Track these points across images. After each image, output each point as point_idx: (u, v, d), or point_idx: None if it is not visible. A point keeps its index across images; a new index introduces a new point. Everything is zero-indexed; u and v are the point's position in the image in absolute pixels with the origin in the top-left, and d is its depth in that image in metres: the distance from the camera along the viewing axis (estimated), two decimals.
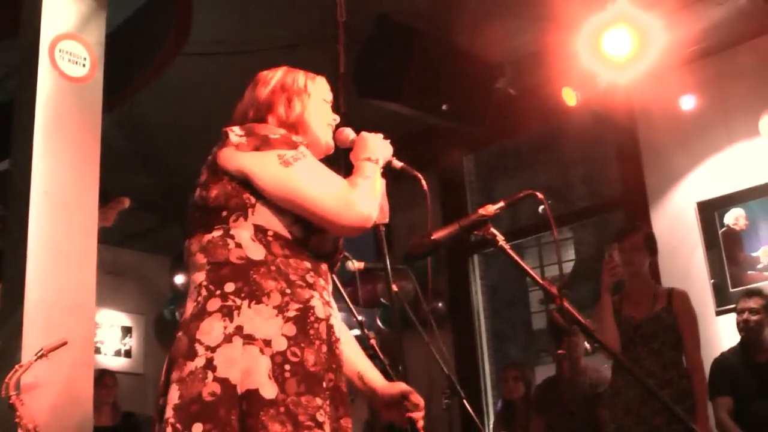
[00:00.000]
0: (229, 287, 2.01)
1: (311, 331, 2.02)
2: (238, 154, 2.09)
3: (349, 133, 2.39)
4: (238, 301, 1.99)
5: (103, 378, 6.20)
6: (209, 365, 1.93)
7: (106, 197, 3.70)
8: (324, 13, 4.28)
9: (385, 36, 5.09)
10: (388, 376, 2.57)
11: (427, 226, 2.41)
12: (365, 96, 5.08)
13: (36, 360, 2.99)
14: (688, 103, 5.69)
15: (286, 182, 2.05)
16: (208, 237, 2.09)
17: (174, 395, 1.92)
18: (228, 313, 1.98)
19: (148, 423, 6.55)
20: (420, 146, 6.46)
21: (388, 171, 2.35)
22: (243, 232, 2.06)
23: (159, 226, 7.37)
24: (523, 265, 2.27)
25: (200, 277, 2.07)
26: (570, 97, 5.19)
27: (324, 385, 2.01)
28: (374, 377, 2.42)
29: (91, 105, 3.71)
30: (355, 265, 3.54)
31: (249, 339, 1.95)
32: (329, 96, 2.42)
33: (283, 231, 2.08)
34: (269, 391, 1.91)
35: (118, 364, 7.45)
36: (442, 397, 3.90)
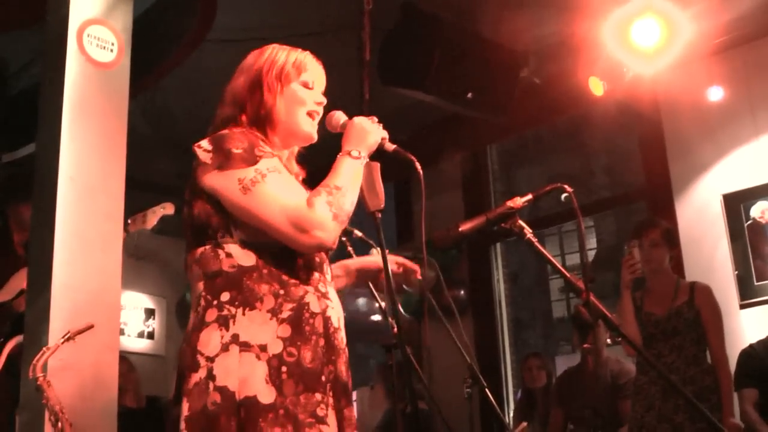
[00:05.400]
0: (225, 297, 2.07)
1: (307, 328, 2.07)
2: (206, 175, 2.13)
3: (340, 117, 2.30)
4: (233, 310, 2.05)
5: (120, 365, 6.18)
6: (210, 375, 1.99)
7: (129, 182, 3.70)
8: (349, 1, 4.28)
9: (409, 24, 5.06)
10: (410, 365, 2.56)
11: (448, 214, 2.39)
12: (389, 84, 5.06)
13: (63, 343, 3.01)
14: (714, 94, 5.64)
15: (245, 209, 2.08)
16: (200, 250, 2.14)
17: (185, 407, 2.00)
18: (224, 322, 2.04)
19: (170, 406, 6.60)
20: (443, 134, 6.46)
21: (384, 154, 2.27)
22: (231, 245, 2.11)
23: (179, 211, 7.36)
24: (551, 258, 2.27)
25: (199, 288, 2.13)
26: (597, 87, 5.15)
27: (323, 378, 2.06)
28: (351, 263, 2.53)
29: (118, 91, 3.72)
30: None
31: (245, 346, 2.01)
32: (315, 76, 2.33)
33: (269, 239, 2.10)
34: (267, 396, 1.97)
35: (142, 345, 7.47)
36: (463, 385, 3.89)
